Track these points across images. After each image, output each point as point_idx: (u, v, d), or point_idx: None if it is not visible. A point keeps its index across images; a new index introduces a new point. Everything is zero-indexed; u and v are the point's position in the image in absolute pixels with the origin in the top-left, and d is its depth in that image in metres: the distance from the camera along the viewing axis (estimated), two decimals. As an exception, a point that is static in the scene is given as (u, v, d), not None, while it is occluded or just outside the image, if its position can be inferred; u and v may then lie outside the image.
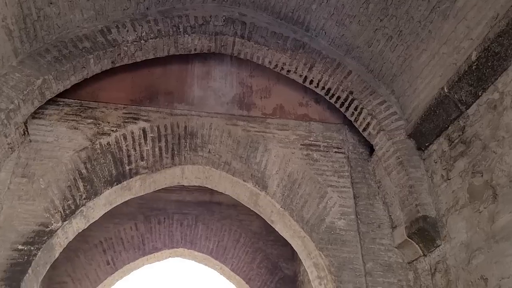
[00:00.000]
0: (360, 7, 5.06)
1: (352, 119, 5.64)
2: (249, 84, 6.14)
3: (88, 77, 5.26)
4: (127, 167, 5.17)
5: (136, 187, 5.33)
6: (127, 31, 5.25)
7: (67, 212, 4.78)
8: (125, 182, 5.11)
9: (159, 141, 5.39)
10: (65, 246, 4.98)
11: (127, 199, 5.45)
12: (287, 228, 5.38)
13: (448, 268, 4.40)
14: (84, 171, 5.04)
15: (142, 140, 5.35)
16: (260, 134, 5.69)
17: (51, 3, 4.66)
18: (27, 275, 4.37)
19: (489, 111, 4.00)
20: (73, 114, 5.38)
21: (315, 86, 5.74)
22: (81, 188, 4.94)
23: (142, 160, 5.24)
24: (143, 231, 7.76)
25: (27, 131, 5.08)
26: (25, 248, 4.47)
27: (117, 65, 5.40)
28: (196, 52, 5.74)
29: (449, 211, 4.47)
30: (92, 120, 5.38)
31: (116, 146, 5.26)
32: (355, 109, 5.53)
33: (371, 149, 5.77)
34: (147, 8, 5.41)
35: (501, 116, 3.85)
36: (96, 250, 7.49)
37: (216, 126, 5.62)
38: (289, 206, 5.26)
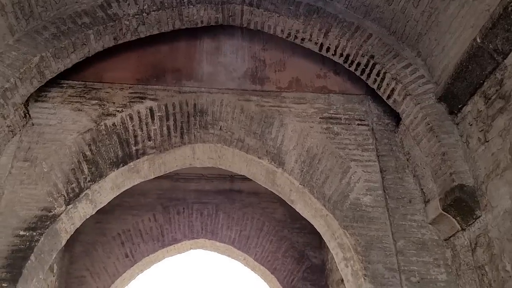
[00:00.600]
0: (377, -40, 4.59)
1: (375, 86, 5.15)
2: (262, 58, 5.76)
3: (90, 55, 5.01)
4: (134, 148, 4.88)
5: (145, 169, 5.02)
6: (128, 4, 4.97)
7: (70, 195, 4.53)
8: (132, 163, 4.82)
9: (167, 120, 5.08)
10: (72, 232, 4.72)
11: (136, 183, 5.15)
12: (308, 207, 4.95)
13: (490, 241, 3.85)
14: (88, 153, 4.78)
15: (149, 120, 5.05)
16: (275, 108, 5.29)
17: (45, -24, 4.44)
18: (29, 261, 4.13)
19: (531, 56, 3.46)
20: (77, 96, 5.15)
21: (332, 54, 5.28)
22: (86, 171, 4.67)
23: (149, 140, 4.95)
24: (162, 222, 7.48)
25: (28, 114, 4.86)
26: (27, 234, 4.24)
27: (120, 41, 5.12)
28: (203, 25, 5.40)
29: (489, 176, 3.92)
30: (96, 101, 5.13)
31: (122, 127, 4.99)
32: (378, 74, 5.03)
33: (397, 120, 5.27)
34: (149, -21, 5.11)
35: (546, 59, 3.30)
36: (114, 242, 7.26)
37: (228, 102, 5.26)
38: (309, 182, 4.83)
